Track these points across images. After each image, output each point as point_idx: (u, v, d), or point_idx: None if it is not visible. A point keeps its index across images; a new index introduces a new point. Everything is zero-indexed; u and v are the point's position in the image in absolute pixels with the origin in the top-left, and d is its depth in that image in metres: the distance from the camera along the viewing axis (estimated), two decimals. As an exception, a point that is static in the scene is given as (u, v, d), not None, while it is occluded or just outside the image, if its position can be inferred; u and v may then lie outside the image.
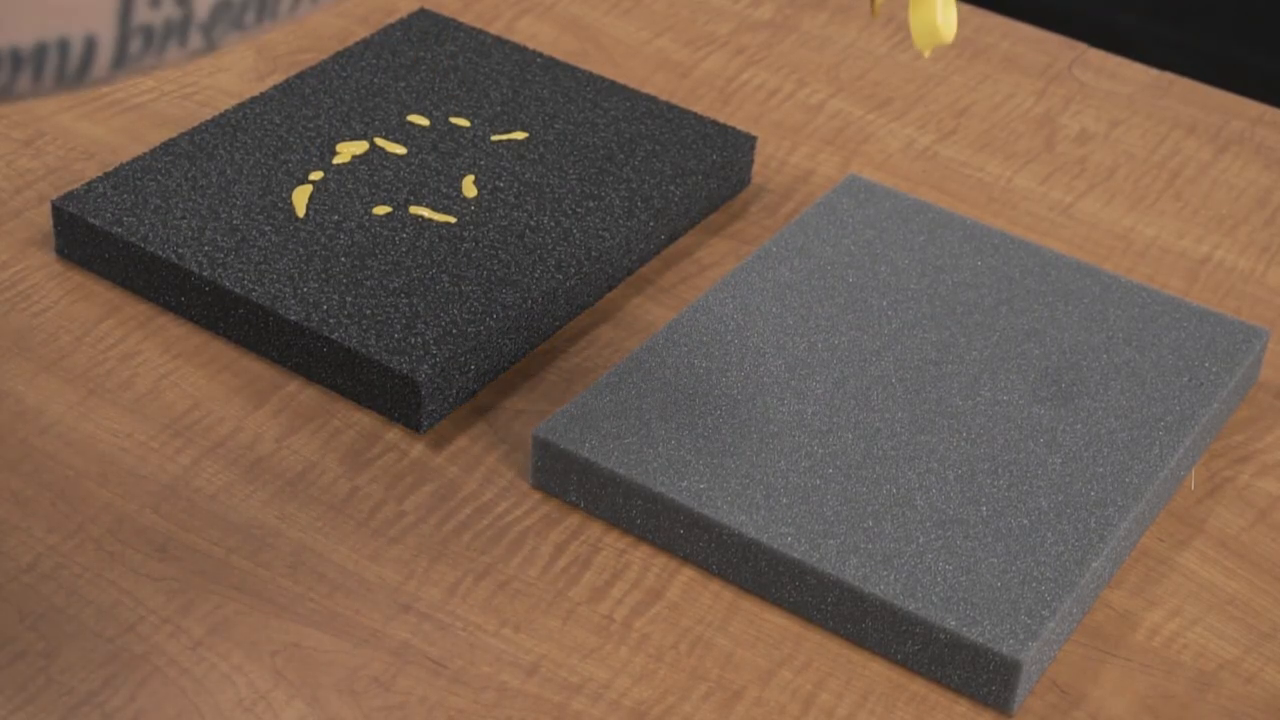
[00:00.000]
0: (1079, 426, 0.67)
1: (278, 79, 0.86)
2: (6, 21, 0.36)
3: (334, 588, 0.62)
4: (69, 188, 0.78)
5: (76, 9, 0.36)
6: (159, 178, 0.75)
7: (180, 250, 0.71)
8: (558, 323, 0.73)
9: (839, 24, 0.94)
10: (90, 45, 0.37)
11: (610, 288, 0.75)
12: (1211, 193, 0.84)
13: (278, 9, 0.40)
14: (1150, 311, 0.72)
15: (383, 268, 0.71)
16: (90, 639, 0.59)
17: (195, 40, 0.39)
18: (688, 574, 0.63)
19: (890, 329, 0.70)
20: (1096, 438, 0.66)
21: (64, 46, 0.37)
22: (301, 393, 0.69)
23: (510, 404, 0.70)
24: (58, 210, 0.73)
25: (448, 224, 0.74)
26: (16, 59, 0.36)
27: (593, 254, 0.73)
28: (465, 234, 0.73)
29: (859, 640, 0.61)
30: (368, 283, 0.70)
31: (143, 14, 0.37)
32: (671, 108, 0.81)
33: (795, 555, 0.61)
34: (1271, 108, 1.04)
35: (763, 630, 0.62)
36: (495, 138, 0.79)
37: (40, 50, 0.36)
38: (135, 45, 0.38)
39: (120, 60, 0.38)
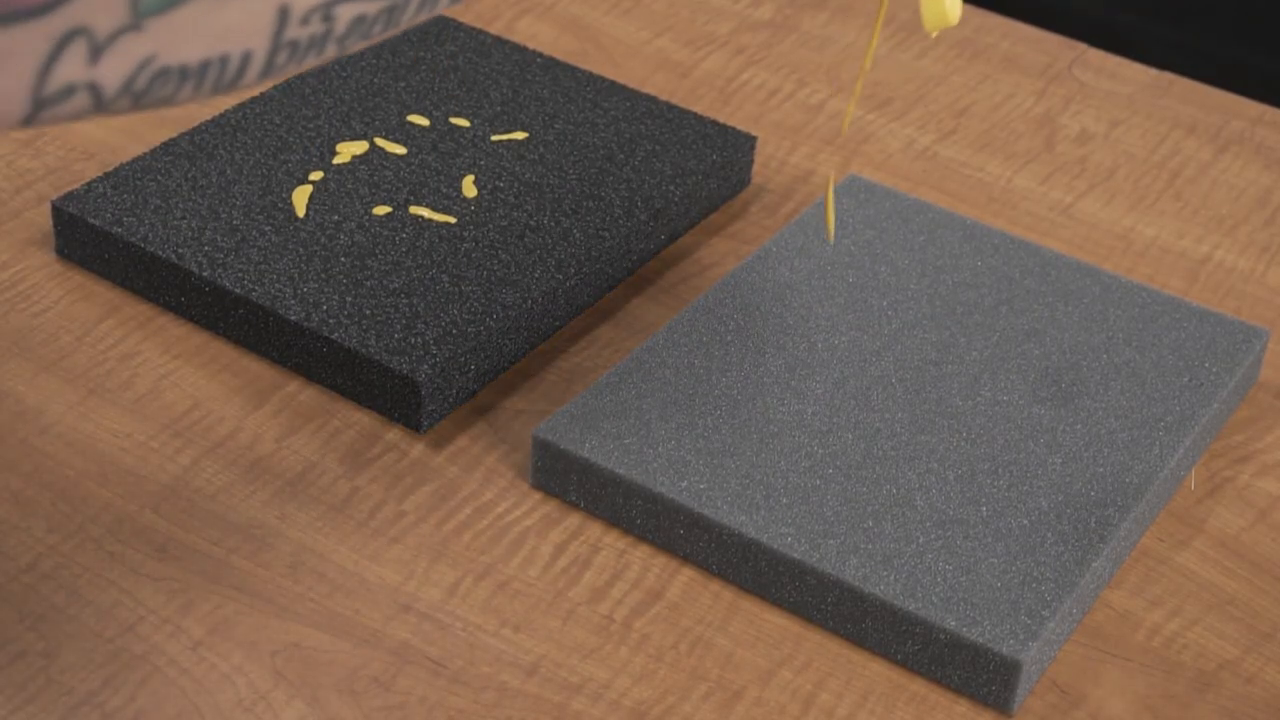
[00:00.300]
0: (1079, 426, 0.67)
1: (278, 79, 0.86)
2: (180, 44, 0.40)
3: (334, 588, 0.62)
4: (69, 188, 0.78)
5: (239, 31, 0.41)
6: (159, 178, 0.75)
7: (180, 250, 0.71)
8: (558, 323, 0.73)
9: (839, 24, 0.94)
10: (245, 59, 0.42)
11: (610, 288, 0.75)
12: (1211, 193, 0.84)
13: (400, 18, 0.44)
14: (1150, 311, 0.72)
15: (383, 268, 0.71)
16: (90, 639, 0.59)
17: (330, 50, 0.44)
18: (688, 574, 0.63)
19: (890, 329, 0.70)
20: (1096, 438, 0.66)
21: (224, 61, 0.41)
22: (301, 393, 0.69)
23: (510, 404, 0.70)
24: (58, 210, 0.73)
25: (448, 224, 0.74)
26: (184, 73, 0.41)
27: (593, 254, 0.73)
28: (465, 234, 0.73)
29: (859, 640, 0.61)
30: (368, 283, 0.70)
31: (293, 31, 0.42)
32: (671, 108, 0.81)
33: (795, 555, 0.61)
34: (1271, 108, 1.04)
35: (763, 630, 0.62)
36: (495, 138, 0.79)
37: (204, 66, 0.41)
38: (282, 58, 0.43)
39: (267, 70, 0.43)
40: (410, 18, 0.45)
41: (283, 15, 0.41)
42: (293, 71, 0.44)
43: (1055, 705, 0.60)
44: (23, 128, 0.41)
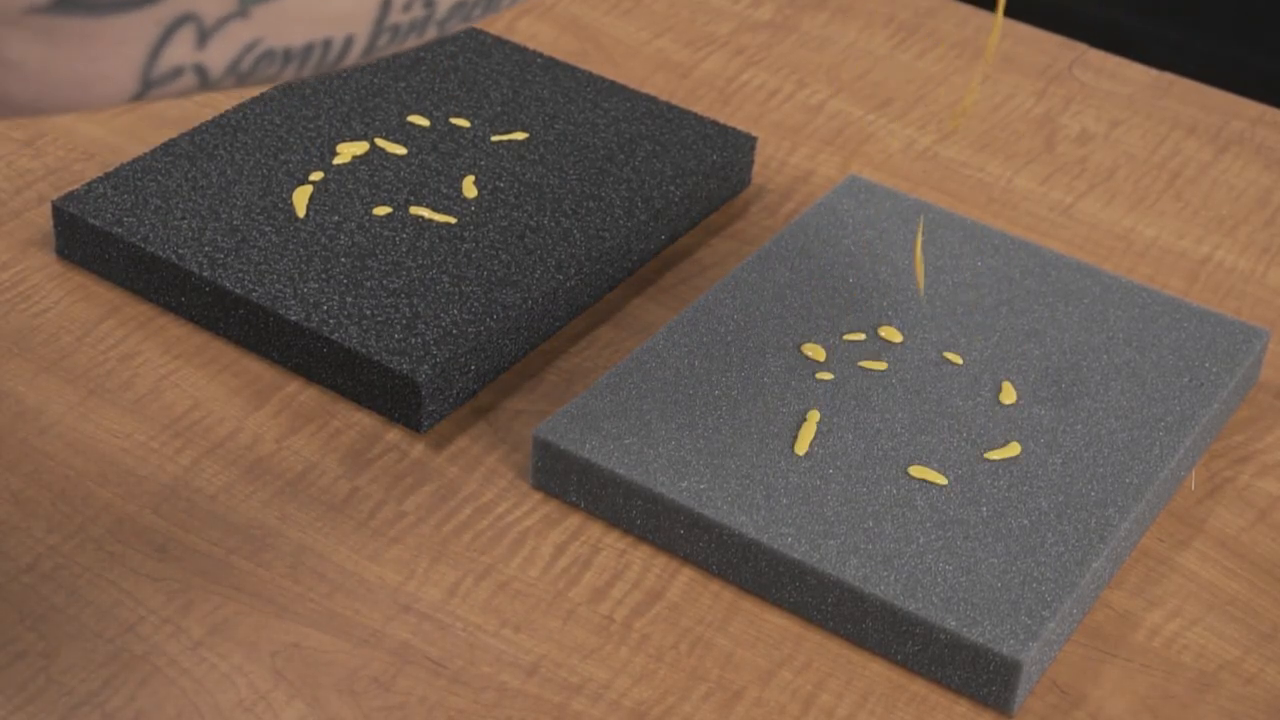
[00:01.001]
0: (1079, 426, 0.67)
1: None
2: (285, 29, 0.42)
3: (334, 588, 0.62)
4: (69, 188, 0.78)
5: (344, 17, 0.42)
6: (159, 178, 0.75)
7: (180, 251, 0.71)
8: (558, 323, 0.73)
9: (839, 24, 0.94)
10: (348, 43, 0.43)
11: (610, 288, 0.75)
12: (1211, 193, 0.84)
13: (500, 1, 0.45)
14: (1150, 312, 0.72)
15: (383, 268, 0.71)
16: (90, 639, 0.59)
17: (431, 33, 0.44)
18: (688, 574, 0.63)
19: (890, 329, 0.70)
20: (1097, 438, 0.66)
21: (327, 44, 0.43)
22: (302, 393, 0.69)
23: (510, 404, 0.70)
24: (58, 210, 0.73)
25: (448, 224, 0.74)
26: (287, 56, 0.42)
27: (593, 254, 0.73)
28: (465, 234, 0.73)
29: (859, 641, 0.61)
30: (368, 283, 0.70)
31: (395, 17, 0.43)
32: (671, 108, 0.81)
33: (795, 555, 0.61)
34: (1271, 108, 1.04)
35: (763, 630, 0.62)
36: (495, 138, 0.79)
37: (308, 49, 0.42)
38: (383, 40, 0.44)
39: (368, 52, 0.44)
40: (510, 1, 0.46)
41: (386, 2, 0.42)
42: (393, 52, 0.45)
43: (1055, 705, 0.60)
44: (132, 103, 0.42)
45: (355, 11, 0.42)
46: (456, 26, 0.45)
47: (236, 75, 0.42)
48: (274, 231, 0.72)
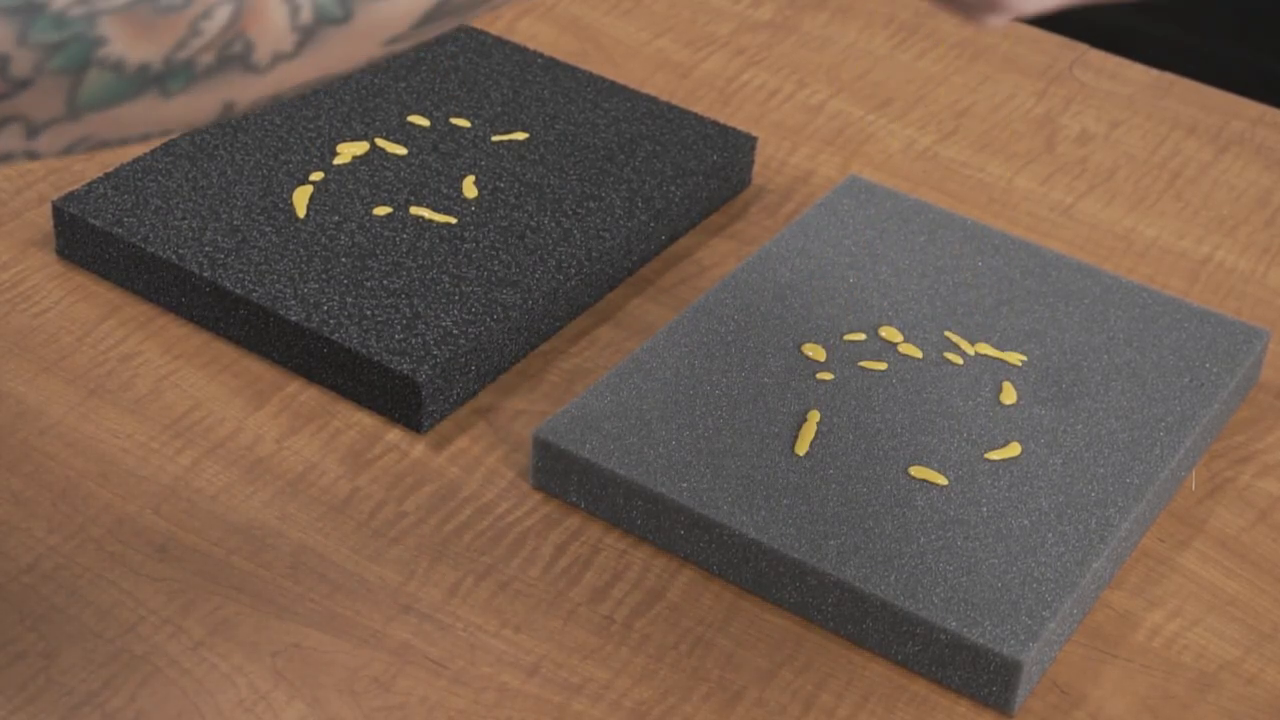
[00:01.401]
0: (1079, 427, 0.67)
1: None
2: (118, 129, 0.43)
3: (334, 588, 0.62)
4: (69, 188, 0.78)
5: (182, 119, 0.44)
6: (159, 178, 0.75)
7: (181, 251, 0.71)
8: (558, 323, 0.73)
9: (839, 24, 0.94)
10: (188, 128, 0.45)
11: (610, 288, 0.75)
12: (1212, 193, 0.84)
13: (348, 70, 0.47)
14: (1151, 312, 0.72)
15: (383, 268, 0.71)
16: (91, 639, 0.59)
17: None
18: (688, 574, 0.63)
19: (890, 328, 0.70)
20: (1097, 438, 0.66)
21: (166, 132, 0.44)
22: (302, 393, 0.69)
23: (510, 404, 0.70)
24: (58, 211, 0.73)
25: (448, 224, 0.74)
26: (123, 141, 0.44)
27: (593, 254, 0.73)
28: (465, 234, 0.73)
29: (860, 641, 0.61)
30: (368, 283, 0.70)
31: (237, 110, 0.45)
32: (672, 108, 0.81)
33: (795, 555, 0.61)
34: (1271, 108, 1.04)
35: (763, 631, 0.62)
36: (495, 138, 0.79)
37: (145, 136, 0.44)
38: (224, 119, 0.46)
39: (210, 127, 0.46)
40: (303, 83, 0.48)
41: (227, 107, 0.44)
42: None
43: (1056, 705, 0.60)
44: None
45: (194, 115, 0.44)
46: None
47: (71, 155, 0.44)
48: (274, 231, 0.72)
